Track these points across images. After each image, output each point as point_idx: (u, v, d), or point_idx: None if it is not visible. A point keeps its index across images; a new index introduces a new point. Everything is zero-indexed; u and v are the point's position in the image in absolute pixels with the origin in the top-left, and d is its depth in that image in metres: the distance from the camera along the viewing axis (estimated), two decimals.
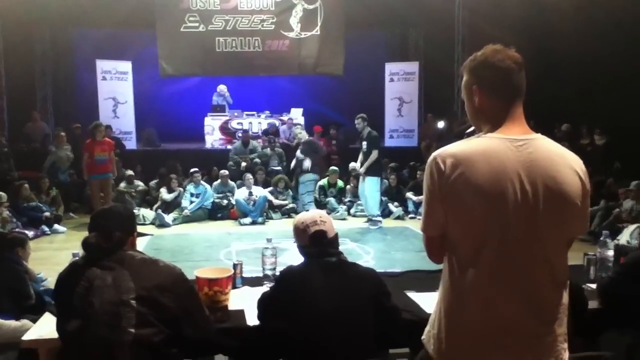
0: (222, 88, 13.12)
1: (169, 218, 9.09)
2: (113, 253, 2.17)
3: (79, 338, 2.04)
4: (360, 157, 8.78)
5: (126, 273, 2.11)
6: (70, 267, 2.26)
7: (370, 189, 8.68)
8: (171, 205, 9.51)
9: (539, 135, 1.69)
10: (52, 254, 7.09)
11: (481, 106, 1.72)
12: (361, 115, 8.68)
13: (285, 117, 12.78)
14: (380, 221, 8.85)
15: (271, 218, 9.50)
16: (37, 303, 4.12)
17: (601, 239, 3.32)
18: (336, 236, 2.55)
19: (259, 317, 2.54)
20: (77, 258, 2.35)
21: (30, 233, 8.01)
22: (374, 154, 8.52)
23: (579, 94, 11.15)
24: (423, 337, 1.83)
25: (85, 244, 2.18)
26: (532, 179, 1.60)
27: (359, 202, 9.71)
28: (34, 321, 2.96)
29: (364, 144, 8.64)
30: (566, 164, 1.66)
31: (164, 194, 9.58)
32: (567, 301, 1.70)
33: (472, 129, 1.87)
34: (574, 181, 1.64)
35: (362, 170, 8.67)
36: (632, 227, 6.67)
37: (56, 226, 8.62)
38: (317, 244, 2.46)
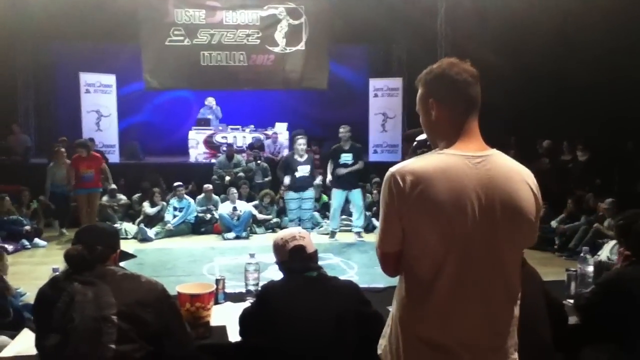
0: (210, 101, 13.12)
1: (151, 232, 9.02)
2: (94, 267, 2.16)
3: (58, 354, 2.02)
4: (331, 167, 8.60)
5: (107, 288, 2.09)
6: (51, 281, 2.24)
7: (360, 200, 8.69)
8: (154, 220, 9.44)
9: (494, 151, 1.71)
10: (32, 269, 6.99)
11: (437, 119, 1.73)
12: (347, 126, 8.65)
13: (269, 132, 12.80)
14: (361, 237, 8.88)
15: (255, 233, 9.46)
16: (16, 319, 4.06)
17: (581, 255, 3.35)
18: (315, 252, 2.55)
19: (240, 333, 2.52)
20: (57, 273, 2.33)
21: (10, 247, 7.92)
22: (360, 164, 8.53)
23: (560, 110, 11.31)
24: (380, 351, 1.83)
25: (67, 255, 2.18)
26: (490, 196, 1.62)
27: (342, 216, 9.72)
28: (12, 337, 2.91)
29: (347, 155, 8.47)
30: (521, 179, 1.68)
31: (147, 207, 9.52)
32: (517, 313, 1.72)
33: (423, 136, 1.87)
34: (529, 197, 1.67)
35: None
36: (612, 242, 6.74)
37: (37, 240, 8.53)
38: (296, 258, 2.47)
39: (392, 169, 1.67)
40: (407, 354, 1.69)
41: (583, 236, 7.73)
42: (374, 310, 2.49)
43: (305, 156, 8.72)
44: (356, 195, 8.62)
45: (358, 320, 2.38)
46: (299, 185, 8.69)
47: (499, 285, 1.66)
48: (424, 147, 1.83)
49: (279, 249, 2.53)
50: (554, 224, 8.25)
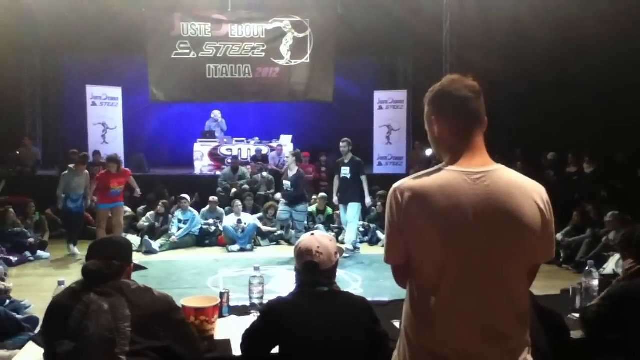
0: (216, 113, 13.16)
1: (156, 244, 9.01)
2: (111, 280, 2.19)
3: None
4: (337, 182, 8.62)
5: (123, 300, 2.13)
6: (67, 291, 2.28)
7: (355, 215, 8.51)
8: (158, 232, 9.45)
9: (498, 166, 1.72)
10: (37, 281, 7.00)
11: (440, 135, 1.77)
12: (347, 139, 8.60)
13: (274, 144, 12.82)
14: (358, 248, 8.74)
15: (259, 245, 9.45)
16: (15, 328, 4.05)
17: (587, 268, 3.33)
18: (333, 267, 2.50)
19: (243, 348, 2.47)
20: (73, 284, 2.34)
21: (14, 259, 7.94)
22: (364, 179, 8.46)
23: (565, 121, 11.30)
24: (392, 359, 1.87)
25: (86, 270, 2.21)
26: (487, 212, 1.63)
27: None
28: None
29: (345, 169, 8.45)
30: (524, 194, 1.67)
31: (142, 220, 9.63)
32: (527, 329, 1.71)
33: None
34: (531, 211, 1.66)
35: (367, 200, 8.58)
36: (618, 255, 6.70)
37: (40, 252, 8.51)
38: (308, 273, 2.44)
39: (394, 185, 1.73)
40: None
41: (589, 249, 7.70)
42: (383, 331, 2.48)
43: (293, 171, 8.53)
44: (349, 209, 8.46)
45: (367, 338, 2.37)
46: (288, 200, 8.61)
47: (502, 301, 1.66)
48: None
49: (297, 256, 2.49)
50: (559, 236, 8.20)
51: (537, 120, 11.82)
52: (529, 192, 1.69)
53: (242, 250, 9.02)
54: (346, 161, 8.52)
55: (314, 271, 2.43)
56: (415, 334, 1.71)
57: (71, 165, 8.90)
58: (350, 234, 8.57)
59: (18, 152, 12.57)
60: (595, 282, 3.24)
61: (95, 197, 8.76)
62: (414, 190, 1.66)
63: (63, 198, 8.71)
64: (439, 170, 1.72)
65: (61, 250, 8.94)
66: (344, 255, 8.31)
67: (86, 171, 8.91)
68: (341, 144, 8.63)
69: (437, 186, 1.65)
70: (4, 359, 3.42)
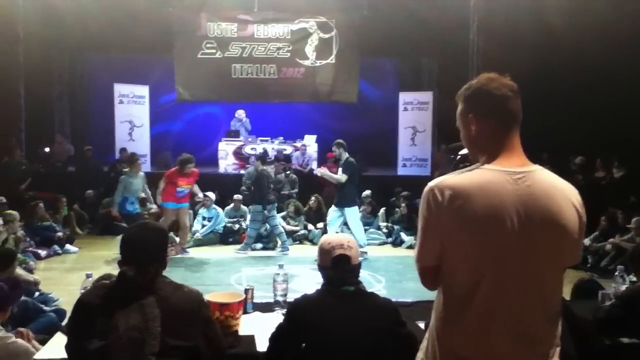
0: (240, 113, 13.20)
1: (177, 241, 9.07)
2: (145, 285, 2.14)
3: (100, 359, 2.03)
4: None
5: (152, 300, 2.09)
6: (97, 290, 2.25)
7: (353, 219, 8.29)
8: None
9: (537, 167, 1.69)
10: (64, 275, 7.13)
11: (478, 134, 1.72)
12: (337, 142, 8.48)
13: (298, 144, 12.84)
14: (365, 252, 8.25)
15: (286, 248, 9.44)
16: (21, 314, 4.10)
17: (616, 274, 3.29)
18: (359, 265, 2.49)
19: (270, 352, 2.44)
20: (103, 281, 2.34)
21: (42, 252, 8.10)
22: (342, 177, 8.14)
23: (594, 126, 11.09)
24: None
25: (122, 276, 2.14)
26: (530, 213, 1.60)
27: (371, 229, 9.72)
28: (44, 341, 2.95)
29: (339, 171, 8.34)
30: (564, 196, 1.65)
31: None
32: (559, 332, 1.69)
33: (465, 150, 1.87)
34: (571, 214, 1.64)
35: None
36: None
37: (68, 246, 8.66)
38: (338, 268, 2.40)
39: (431, 184, 1.67)
40: None
41: (616, 255, 7.55)
42: (409, 331, 2.46)
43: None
44: (347, 217, 8.25)
45: (393, 341, 2.34)
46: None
47: (537, 303, 1.63)
48: (466, 162, 1.81)
49: (324, 253, 2.46)
50: (587, 241, 8.07)
51: (565, 124, 11.62)
52: (568, 195, 1.67)
53: (265, 248, 9.05)
54: (342, 162, 8.41)
55: (345, 265, 2.40)
56: (446, 338, 1.68)
57: (126, 169, 8.62)
58: (359, 236, 8.15)
59: (47, 149, 12.82)
60: (624, 288, 3.19)
61: (161, 196, 8.41)
62: (454, 189, 1.61)
63: (119, 202, 8.31)
64: (477, 169, 1.68)
65: (88, 245, 9.09)
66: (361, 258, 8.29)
67: (142, 172, 8.67)
68: (332, 148, 8.56)
69: (478, 185, 1.61)
70: (24, 349, 3.40)
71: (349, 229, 8.32)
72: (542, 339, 1.65)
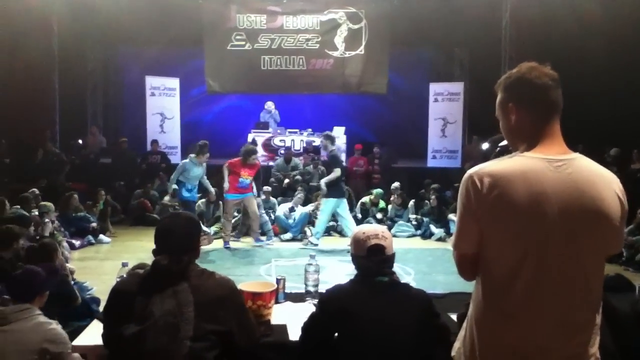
0: (269, 105, 13.26)
1: (210, 232, 9.17)
2: (179, 274, 2.19)
3: (136, 344, 2.07)
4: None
5: (186, 286, 2.14)
6: (132, 278, 2.32)
7: (323, 209, 8.36)
8: (212, 219, 9.62)
9: (578, 155, 1.67)
10: (98, 264, 7.27)
11: (518, 124, 1.71)
12: (324, 133, 8.50)
13: None
14: (316, 244, 8.38)
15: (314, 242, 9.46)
16: (84, 309, 4.20)
17: None
18: (393, 256, 2.47)
19: (302, 341, 2.46)
20: (138, 270, 2.38)
21: (77, 242, 8.27)
22: (335, 171, 8.08)
23: (628, 117, 10.82)
24: (453, 353, 1.83)
25: (156, 266, 2.19)
26: (571, 201, 1.58)
27: (400, 221, 9.67)
28: (80, 328, 3.00)
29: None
30: (606, 184, 1.63)
31: (201, 206, 9.76)
32: (600, 321, 1.67)
33: (505, 142, 1.84)
34: (613, 202, 1.62)
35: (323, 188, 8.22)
36: None
37: (101, 236, 8.83)
38: (373, 257, 2.39)
39: (470, 171, 1.66)
40: (483, 357, 1.66)
41: None
42: (443, 323, 2.45)
43: None
44: (322, 203, 8.39)
45: (427, 332, 2.33)
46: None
47: (579, 291, 1.61)
48: (506, 154, 1.79)
49: (359, 243, 2.44)
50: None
51: (600, 116, 11.37)
52: (609, 182, 1.65)
53: (294, 239, 9.09)
54: (328, 155, 8.41)
55: (380, 255, 2.39)
56: (487, 327, 1.66)
57: (192, 155, 8.51)
58: (315, 229, 8.59)
59: (81, 141, 13.07)
60: None
61: (226, 186, 8.42)
62: (495, 176, 1.60)
63: (175, 188, 8.40)
64: (517, 156, 1.66)
65: (121, 235, 9.25)
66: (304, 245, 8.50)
67: (204, 163, 8.59)
68: (319, 140, 8.55)
69: (519, 172, 1.60)
70: (63, 337, 3.35)
71: (342, 219, 8.44)
72: (584, 327, 1.63)
